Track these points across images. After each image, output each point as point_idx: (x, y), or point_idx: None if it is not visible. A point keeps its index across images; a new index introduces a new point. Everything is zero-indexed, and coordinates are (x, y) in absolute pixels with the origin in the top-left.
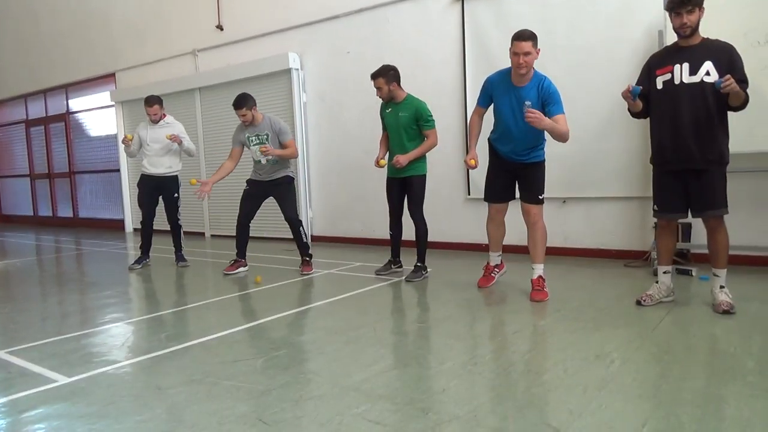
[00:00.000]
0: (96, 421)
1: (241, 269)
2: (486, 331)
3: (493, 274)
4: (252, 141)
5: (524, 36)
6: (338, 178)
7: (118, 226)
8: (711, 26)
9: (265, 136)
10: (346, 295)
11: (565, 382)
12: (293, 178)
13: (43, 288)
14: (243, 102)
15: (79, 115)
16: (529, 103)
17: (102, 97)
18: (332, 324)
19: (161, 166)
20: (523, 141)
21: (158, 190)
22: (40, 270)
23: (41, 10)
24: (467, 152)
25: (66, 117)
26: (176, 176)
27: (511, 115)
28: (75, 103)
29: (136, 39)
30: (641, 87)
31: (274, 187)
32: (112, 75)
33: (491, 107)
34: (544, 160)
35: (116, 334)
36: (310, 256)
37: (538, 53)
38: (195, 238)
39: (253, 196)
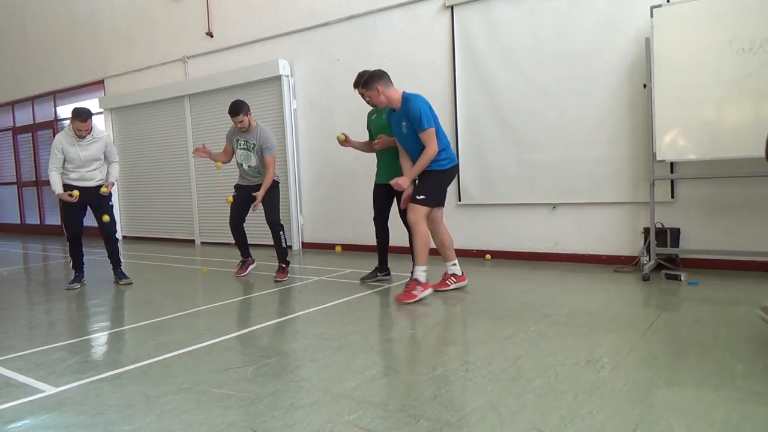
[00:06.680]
0: None
1: (251, 267)
2: (477, 337)
3: (448, 282)
4: (240, 144)
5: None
6: (329, 184)
7: None
8: (696, 34)
9: (252, 146)
10: (337, 302)
11: (556, 388)
12: (278, 182)
13: (30, 296)
14: (239, 109)
15: (67, 122)
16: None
17: (90, 104)
18: (323, 331)
19: (92, 179)
20: (411, 153)
21: (89, 202)
22: (26, 278)
23: (28, 15)
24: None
25: (54, 124)
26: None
27: (398, 132)
28: (63, 110)
29: (125, 45)
30: None
31: (258, 190)
32: (101, 82)
33: None
34: (435, 170)
35: (104, 343)
36: (287, 263)
37: (378, 91)
38: (185, 246)
39: (240, 200)
